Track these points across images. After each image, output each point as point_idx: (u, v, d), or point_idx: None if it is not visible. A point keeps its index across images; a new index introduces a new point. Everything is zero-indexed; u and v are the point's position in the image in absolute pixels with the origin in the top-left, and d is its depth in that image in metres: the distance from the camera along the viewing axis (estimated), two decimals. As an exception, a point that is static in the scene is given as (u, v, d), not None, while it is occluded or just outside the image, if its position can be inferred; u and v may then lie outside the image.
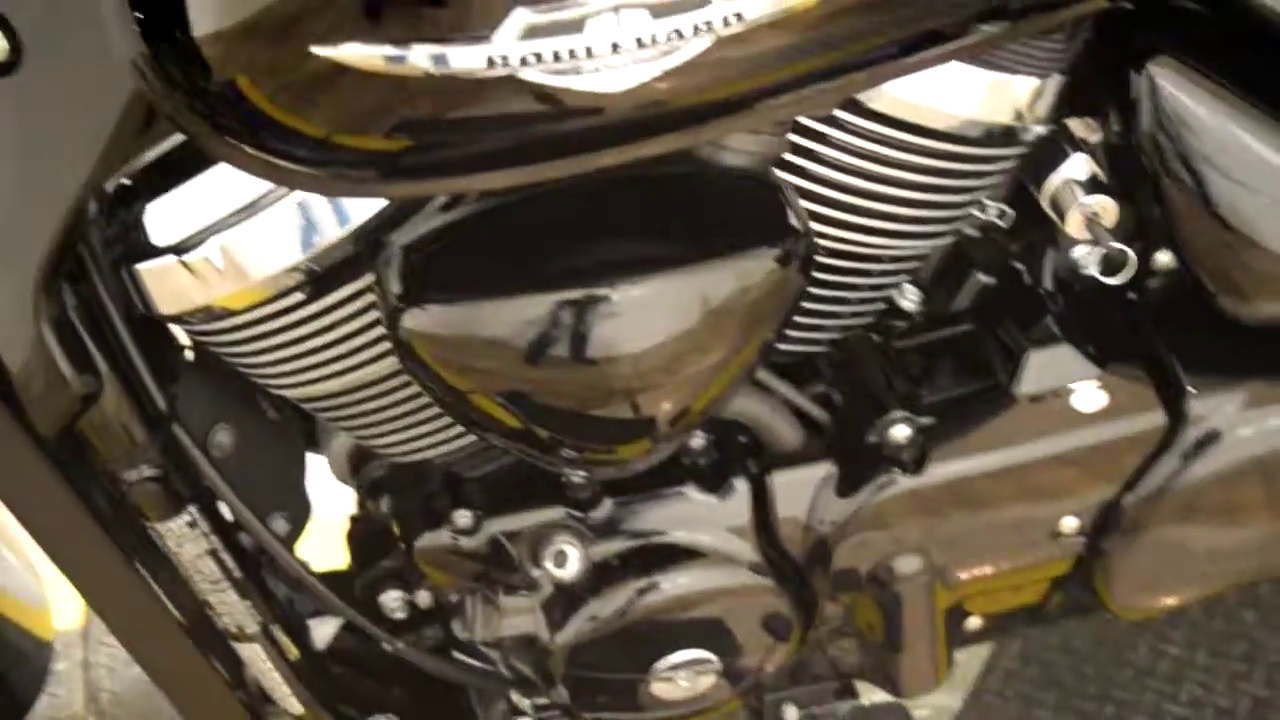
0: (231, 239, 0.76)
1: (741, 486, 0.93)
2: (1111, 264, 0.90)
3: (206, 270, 0.77)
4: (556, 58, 0.59)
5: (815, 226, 0.85)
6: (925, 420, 0.92)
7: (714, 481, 0.93)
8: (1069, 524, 0.98)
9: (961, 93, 0.82)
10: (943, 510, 0.95)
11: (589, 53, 0.59)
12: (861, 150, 0.83)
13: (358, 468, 1.02)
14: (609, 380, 0.77)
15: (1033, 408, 0.94)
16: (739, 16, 0.60)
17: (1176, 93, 0.86)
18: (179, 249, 0.77)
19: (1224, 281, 0.92)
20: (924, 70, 0.74)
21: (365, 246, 0.77)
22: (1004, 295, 0.98)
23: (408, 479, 0.98)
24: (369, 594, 1.02)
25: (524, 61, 0.58)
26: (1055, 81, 0.86)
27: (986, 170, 0.88)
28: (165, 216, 0.77)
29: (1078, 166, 0.89)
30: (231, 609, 0.95)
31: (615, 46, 0.59)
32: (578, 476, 0.92)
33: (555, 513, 0.93)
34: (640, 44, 0.59)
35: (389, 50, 0.58)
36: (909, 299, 0.97)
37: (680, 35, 0.60)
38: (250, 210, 0.76)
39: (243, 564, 0.94)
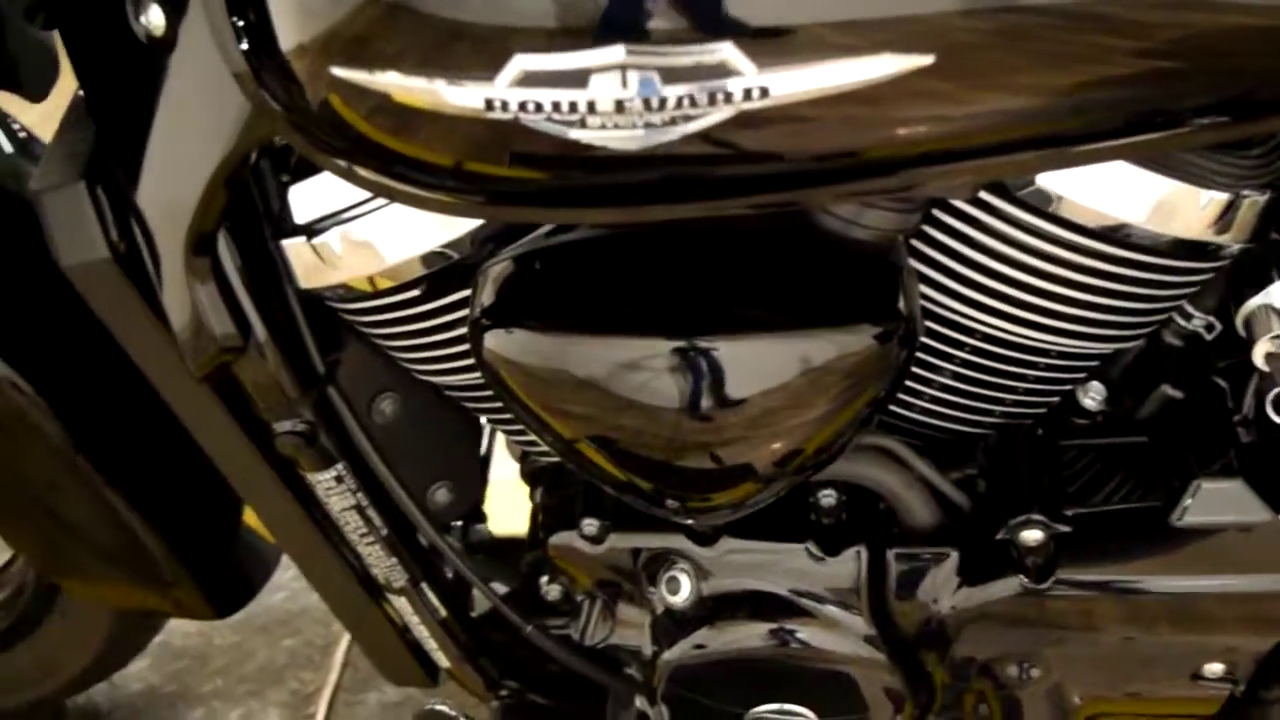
0: (352, 228, 0.79)
1: (859, 554, 0.88)
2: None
3: (329, 254, 0.79)
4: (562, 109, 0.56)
5: (966, 310, 0.79)
6: (1063, 528, 0.84)
7: (833, 544, 0.88)
8: (1213, 669, 0.87)
9: (1122, 196, 0.75)
10: (1065, 625, 0.86)
11: (590, 108, 0.56)
12: (1011, 239, 0.77)
13: (524, 455, 1.03)
14: (685, 432, 0.74)
15: (1187, 541, 0.84)
16: (764, 91, 0.55)
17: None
18: (310, 231, 0.79)
19: None
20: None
21: (477, 254, 0.78)
22: (1191, 414, 0.87)
23: (557, 475, 0.98)
24: (531, 573, 1.03)
25: (523, 108, 0.56)
26: (1254, 199, 0.75)
27: (1165, 280, 0.79)
28: (306, 197, 0.81)
29: (1277, 294, 0.79)
30: (379, 562, 0.99)
31: (620, 106, 0.56)
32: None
33: (676, 540, 0.91)
34: (654, 108, 0.56)
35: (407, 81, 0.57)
36: (1092, 398, 0.90)
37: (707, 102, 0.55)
38: (371, 204, 0.78)
39: (393, 523, 0.96)
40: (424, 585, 1.01)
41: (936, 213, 0.78)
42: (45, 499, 1.08)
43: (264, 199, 0.81)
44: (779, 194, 0.62)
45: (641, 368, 0.72)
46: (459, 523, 1.05)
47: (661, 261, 0.74)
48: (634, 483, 0.79)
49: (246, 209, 0.82)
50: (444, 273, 0.80)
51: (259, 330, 0.85)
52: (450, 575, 1.03)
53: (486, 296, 0.74)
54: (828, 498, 0.89)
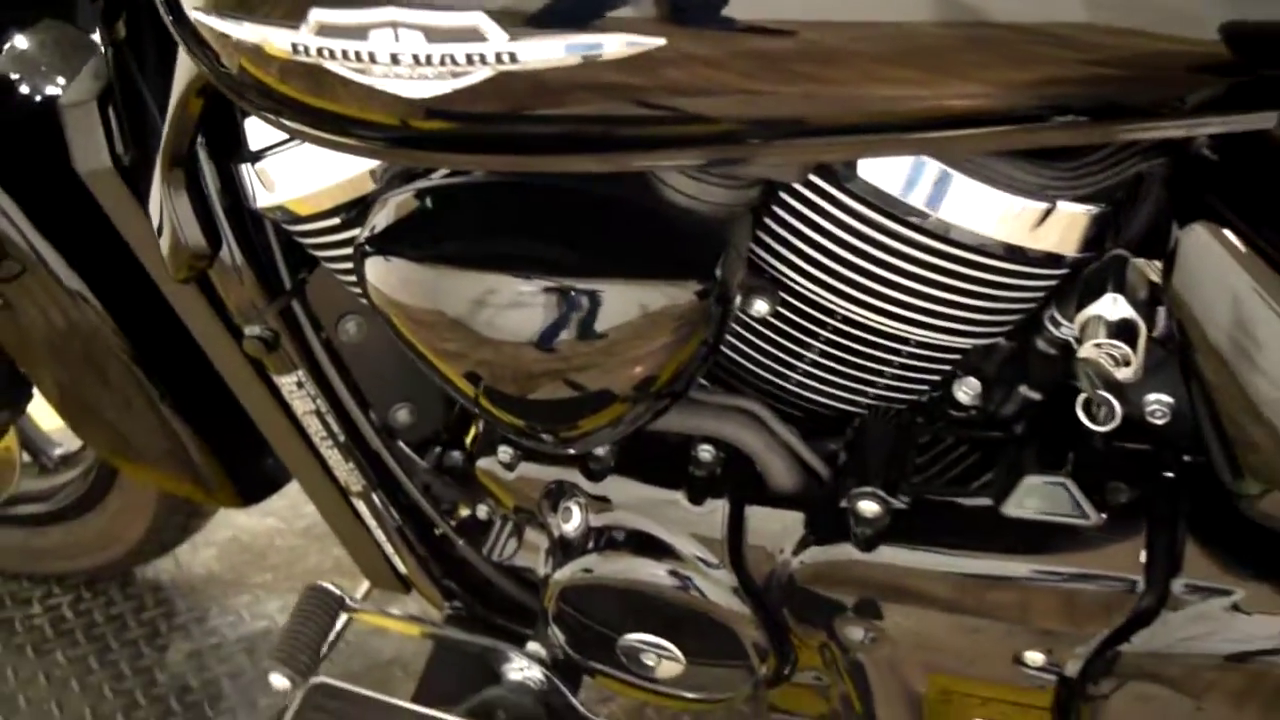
0: (284, 158, 0.89)
1: (721, 507, 0.93)
2: (1093, 411, 0.82)
3: (268, 179, 0.90)
4: (347, 56, 0.64)
5: (824, 293, 0.85)
6: (899, 504, 0.88)
7: (700, 495, 0.94)
8: (1034, 656, 0.90)
9: (943, 196, 0.79)
10: (892, 595, 0.90)
11: (364, 61, 0.64)
12: (852, 228, 0.82)
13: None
14: (535, 366, 0.81)
15: (1012, 531, 0.87)
16: (513, 56, 0.62)
17: (1204, 260, 0.76)
18: (256, 157, 0.89)
19: (1230, 467, 0.80)
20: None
21: (385, 188, 0.86)
22: (1044, 415, 0.90)
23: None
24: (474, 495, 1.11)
25: (321, 53, 0.65)
26: (1073, 210, 0.78)
27: (1004, 283, 0.83)
28: (257, 126, 0.91)
29: (1109, 306, 0.81)
30: (339, 466, 1.09)
31: (397, 59, 0.64)
32: (600, 448, 0.97)
33: (571, 474, 0.98)
34: (421, 63, 0.64)
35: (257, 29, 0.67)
36: (965, 392, 0.93)
37: (464, 62, 0.63)
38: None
39: (349, 430, 1.06)
40: (377, 493, 1.11)
41: (788, 197, 0.83)
42: (106, 396, 1.22)
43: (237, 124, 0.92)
44: (551, 156, 0.70)
45: (495, 304, 0.80)
46: (438, 448, 1.14)
47: (532, 211, 0.82)
48: (494, 412, 0.86)
49: (227, 132, 0.93)
50: (357, 203, 0.89)
51: (230, 242, 0.96)
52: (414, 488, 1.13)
53: (372, 225, 0.82)
54: (706, 453, 0.95)
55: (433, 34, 0.63)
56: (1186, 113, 0.69)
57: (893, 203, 0.79)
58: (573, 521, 0.98)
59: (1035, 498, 0.87)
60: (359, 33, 0.64)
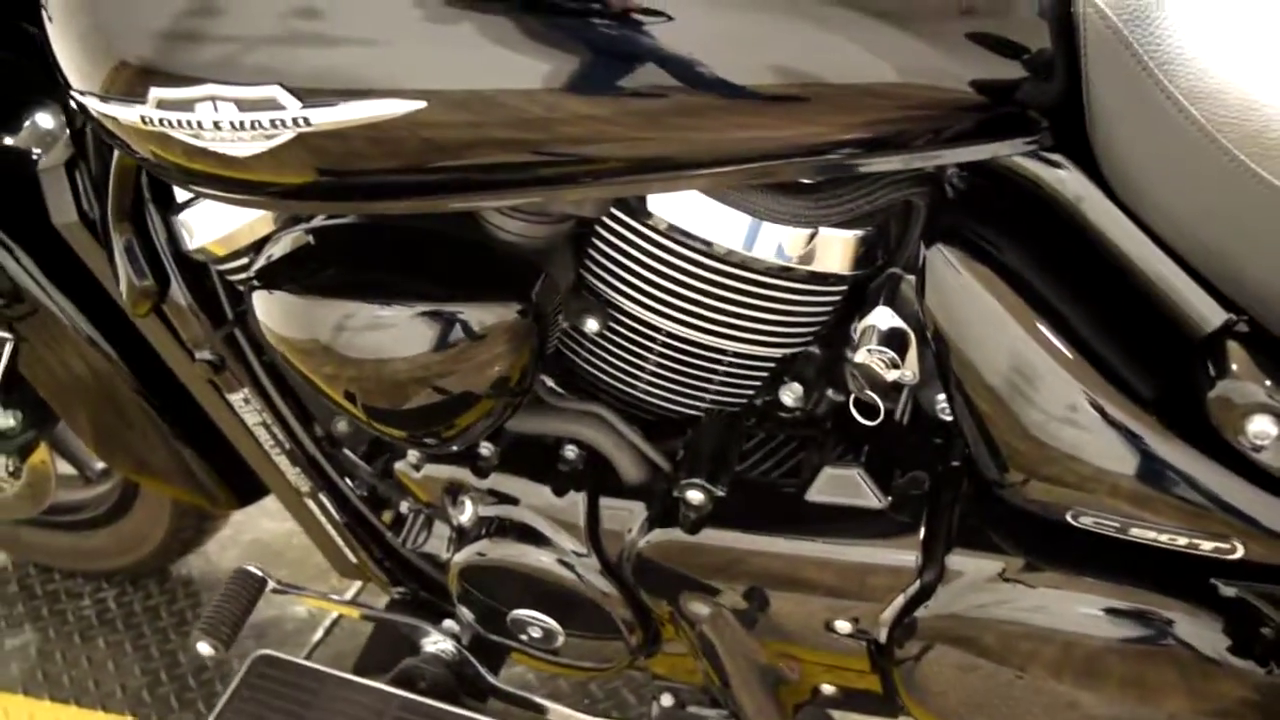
0: (199, 209, 1.01)
1: (579, 499, 1.03)
2: (863, 408, 0.90)
3: (189, 227, 1.02)
4: (186, 125, 0.76)
5: (649, 315, 0.95)
6: (719, 492, 0.96)
7: (563, 489, 1.04)
8: (842, 626, 0.98)
9: (725, 228, 0.88)
10: (717, 573, 0.99)
11: (197, 127, 0.76)
12: (660, 258, 0.92)
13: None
14: (388, 381, 0.92)
15: (813, 516, 0.95)
16: (307, 120, 0.73)
17: (945, 276, 0.84)
18: (180, 208, 1.02)
19: (989, 460, 0.87)
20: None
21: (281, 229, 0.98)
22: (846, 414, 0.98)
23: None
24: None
25: (163, 123, 0.77)
26: (834, 234, 0.87)
27: (793, 299, 0.93)
28: None
29: (881, 316, 0.90)
30: (288, 470, 1.21)
31: (217, 125, 0.75)
32: (486, 449, 1.07)
33: (462, 472, 1.08)
34: (239, 127, 0.75)
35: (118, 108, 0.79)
36: (789, 395, 1.00)
37: (268, 130, 0.75)
38: None
39: (294, 440, 1.18)
40: (323, 494, 1.22)
41: (605, 230, 0.93)
42: (119, 423, 1.36)
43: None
44: (367, 201, 0.81)
45: (355, 328, 0.91)
46: (385, 455, 1.25)
47: (387, 248, 0.93)
48: (374, 425, 0.98)
49: (166, 187, 1.06)
50: (260, 243, 1.00)
51: (177, 281, 1.09)
52: (350, 489, 1.24)
53: (260, 262, 0.94)
54: (570, 452, 1.05)
55: (242, 104, 0.76)
56: (932, 146, 0.79)
57: (683, 235, 0.89)
58: (466, 513, 1.09)
59: (831, 486, 0.95)
60: (187, 105, 0.77)
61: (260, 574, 1.17)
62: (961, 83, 0.76)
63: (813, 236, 0.88)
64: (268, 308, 0.93)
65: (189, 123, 0.77)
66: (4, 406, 1.36)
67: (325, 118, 0.75)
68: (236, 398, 1.16)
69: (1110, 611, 0.89)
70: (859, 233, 0.89)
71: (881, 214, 0.90)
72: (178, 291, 1.10)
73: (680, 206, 0.88)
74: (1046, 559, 0.91)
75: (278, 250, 0.94)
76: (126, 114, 0.80)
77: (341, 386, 0.95)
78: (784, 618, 1.00)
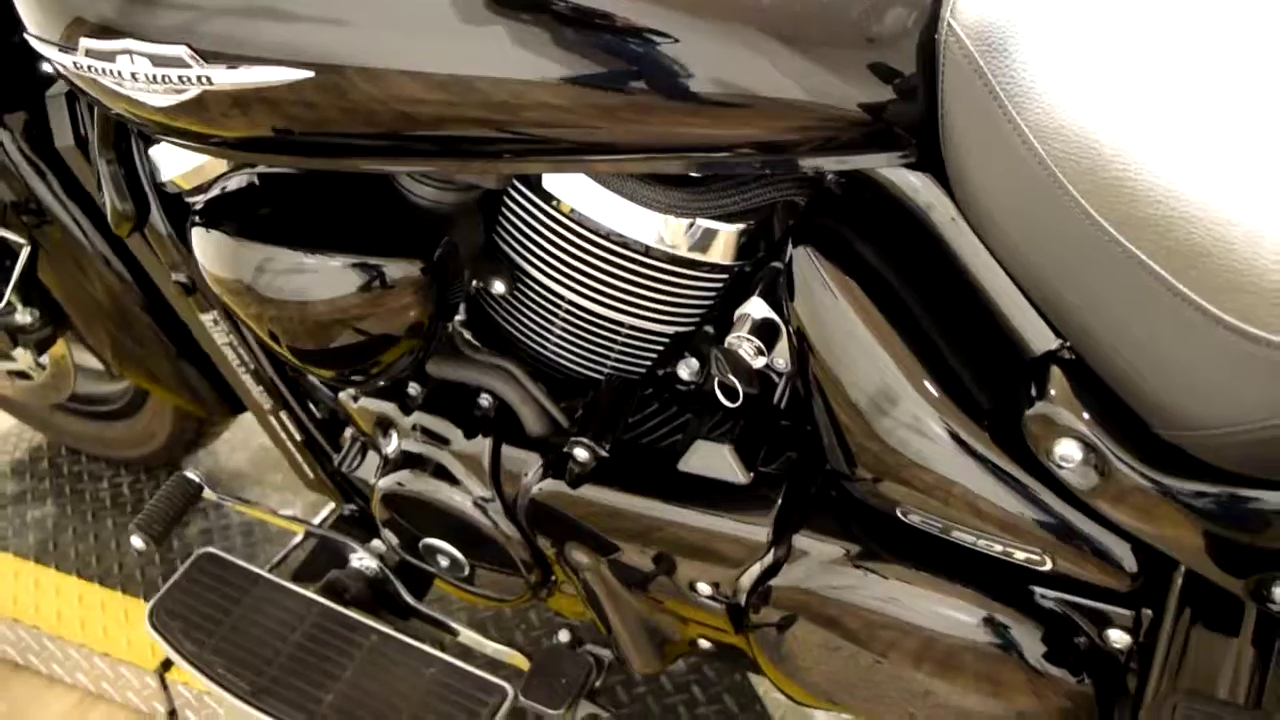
0: (165, 145, 1.06)
1: (486, 444, 1.07)
2: (726, 391, 0.92)
3: (158, 161, 1.08)
4: (107, 73, 0.81)
5: (553, 285, 0.99)
6: (603, 453, 0.99)
7: (472, 433, 1.08)
8: (703, 588, 1.01)
9: (612, 213, 0.91)
10: (592, 527, 1.03)
11: (118, 76, 0.80)
12: (559, 234, 0.96)
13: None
14: (307, 323, 0.98)
15: (681, 484, 0.99)
16: (207, 80, 0.78)
17: (805, 278, 0.86)
18: (150, 143, 1.08)
19: (830, 450, 0.90)
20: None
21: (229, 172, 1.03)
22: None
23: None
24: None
25: (91, 70, 0.81)
26: (710, 225, 0.89)
27: (679, 283, 0.96)
28: None
29: (754, 306, 0.92)
30: (252, 388, 1.27)
31: (134, 76, 0.80)
32: (414, 389, 1.12)
33: (391, 407, 1.14)
34: (152, 80, 0.79)
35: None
36: (685, 369, 1.03)
37: (178, 85, 0.79)
38: None
39: (256, 360, 1.24)
40: (282, 412, 1.29)
41: (513, 202, 0.96)
42: (125, 334, 1.44)
43: None
44: (273, 155, 0.85)
45: (275, 271, 0.97)
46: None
47: (315, 200, 0.98)
48: (300, 365, 1.03)
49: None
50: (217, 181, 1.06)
51: (155, 207, 1.14)
52: (308, 411, 1.30)
53: (199, 201, 0.99)
54: (484, 400, 1.10)
55: (156, 60, 0.80)
56: (811, 154, 0.81)
57: (578, 215, 0.92)
58: (391, 444, 1.14)
59: (702, 458, 0.98)
60: (110, 56, 0.82)
61: (198, 480, 1.24)
62: (850, 102, 0.78)
63: (690, 226, 0.90)
64: (203, 245, 0.99)
65: (111, 71, 0.82)
66: (23, 304, 1.45)
67: (225, 79, 0.79)
68: (207, 318, 1.22)
69: (937, 606, 0.92)
70: (738, 226, 0.91)
71: (764, 210, 0.92)
72: (157, 217, 1.15)
73: (574, 188, 0.92)
74: (886, 550, 0.94)
75: (217, 192, 1.00)
76: (62, 59, 0.85)
77: (265, 326, 1.01)
78: (652, 575, 1.04)
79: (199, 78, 0.80)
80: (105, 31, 0.82)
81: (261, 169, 1.01)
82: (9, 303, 1.41)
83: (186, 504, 1.21)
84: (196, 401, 1.50)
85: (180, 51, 0.80)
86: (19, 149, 1.32)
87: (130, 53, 0.81)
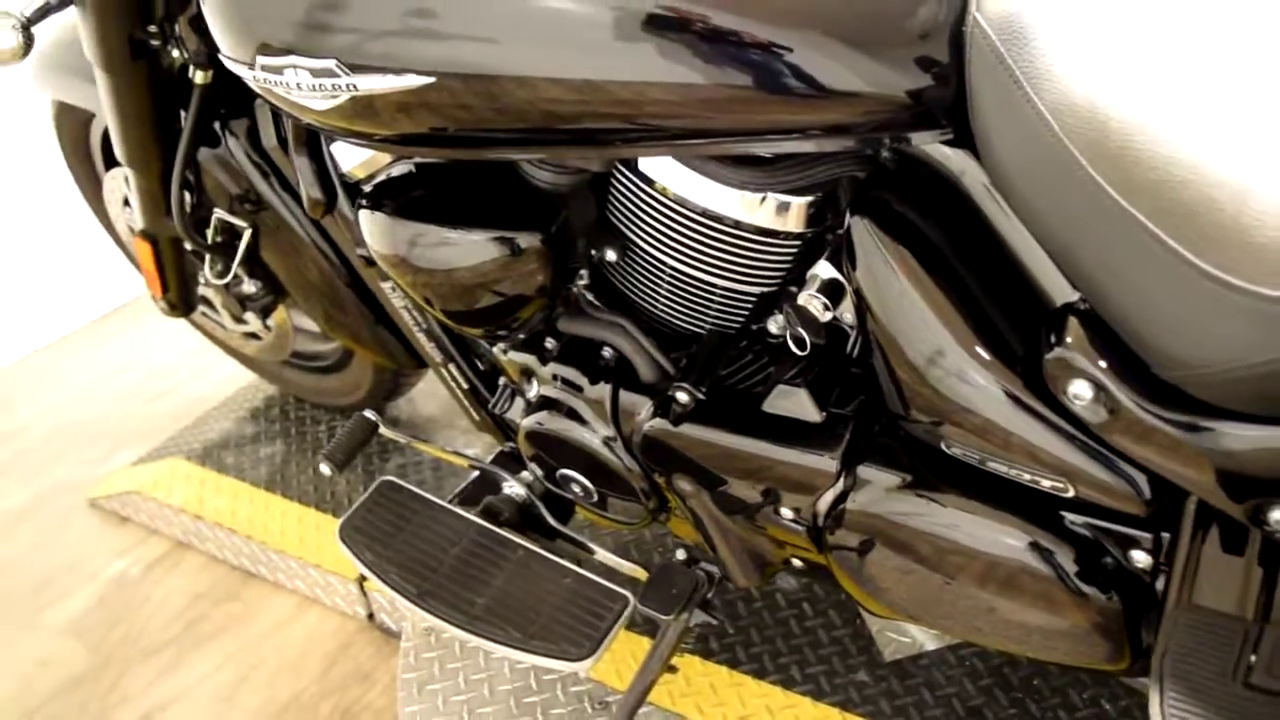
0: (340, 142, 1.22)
1: (606, 390, 1.19)
2: (797, 342, 1.01)
3: (339, 156, 1.23)
4: (280, 85, 0.96)
5: (658, 254, 1.10)
6: (700, 396, 1.11)
7: (595, 379, 1.20)
8: (786, 512, 1.10)
9: (703, 191, 1.01)
10: (693, 459, 1.13)
11: (288, 86, 0.95)
12: (654, 207, 1.08)
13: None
14: (456, 288, 1.11)
15: (765, 421, 1.09)
16: (353, 87, 0.92)
17: (864, 242, 0.95)
18: (331, 140, 1.25)
19: (887, 393, 0.98)
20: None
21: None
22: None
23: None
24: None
25: (264, 83, 0.97)
26: (781, 198, 0.98)
27: (760, 250, 1.06)
28: None
29: (822, 267, 1.01)
30: (424, 345, 1.43)
31: (299, 86, 0.94)
32: (550, 343, 1.24)
33: (532, 359, 1.27)
34: (312, 89, 0.94)
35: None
36: (774, 324, 1.13)
37: (331, 91, 0.93)
38: None
39: (426, 320, 1.40)
40: (450, 365, 1.44)
41: (619, 183, 1.07)
42: (331, 302, 1.63)
43: None
44: (417, 148, 0.98)
45: (427, 245, 1.10)
46: None
47: (461, 185, 1.11)
48: (452, 325, 1.17)
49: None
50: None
51: (341, 196, 1.30)
52: (471, 363, 1.45)
53: (366, 188, 1.14)
54: (606, 352, 1.22)
55: (314, 72, 0.94)
56: (862, 134, 0.90)
57: (670, 193, 1.03)
58: (533, 390, 1.28)
59: (781, 399, 1.08)
60: (279, 70, 0.97)
61: (374, 419, 1.41)
62: (899, 89, 0.86)
63: (763, 200, 0.99)
64: (368, 225, 1.15)
65: (281, 83, 0.98)
66: (249, 276, 1.66)
67: (369, 85, 0.93)
68: (387, 286, 1.38)
69: (981, 529, 0.99)
70: (807, 199, 1.00)
71: (829, 184, 1.00)
72: (343, 202, 1.32)
73: (665, 169, 1.02)
74: (937, 479, 1.01)
75: (380, 180, 1.15)
76: (247, 74, 1.01)
77: (420, 291, 1.15)
78: (743, 501, 1.14)
79: (347, 85, 0.94)
80: (274, 50, 0.97)
81: (415, 160, 1.15)
82: (236, 275, 1.62)
83: (365, 438, 1.39)
84: (390, 357, 1.68)
85: (329, 64, 0.94)
86: (242, 149, 1.52)
87: (295, 67, 0.96)
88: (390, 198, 1.15)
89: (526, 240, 1.09)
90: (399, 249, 1.13)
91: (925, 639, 1.47)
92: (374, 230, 1.15)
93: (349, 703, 1.63)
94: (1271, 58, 0.83)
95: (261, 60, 1.00)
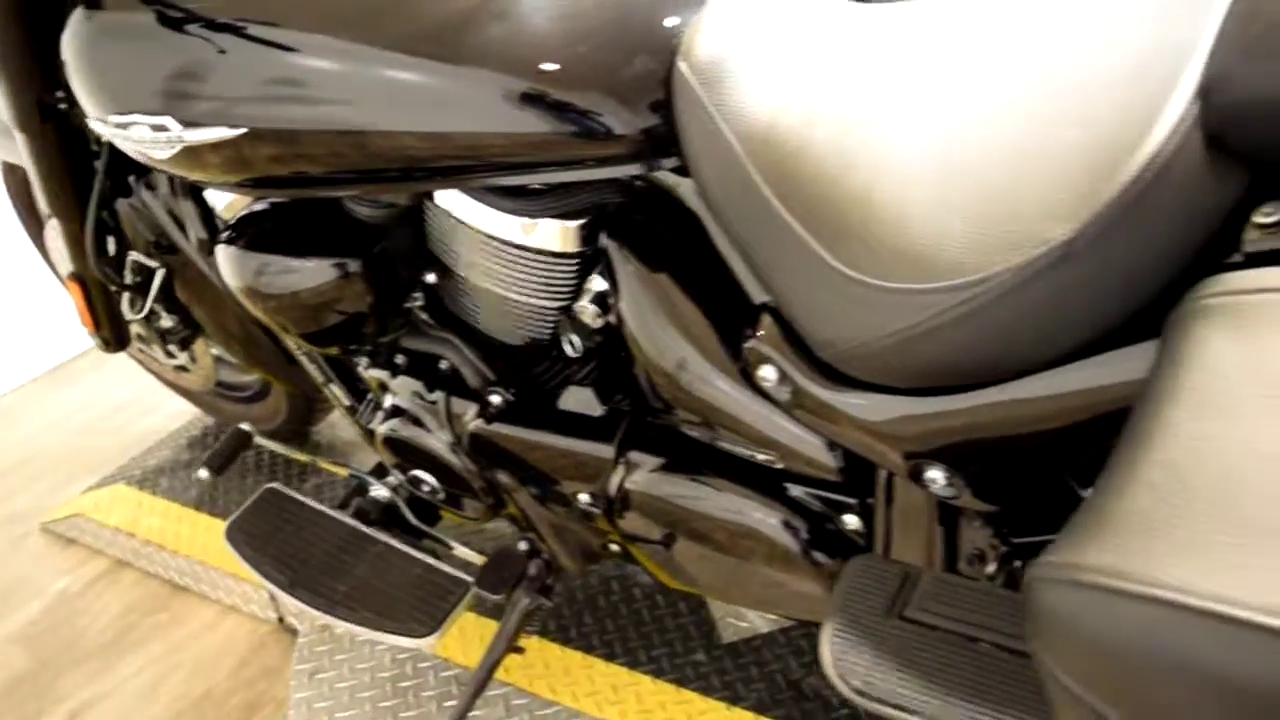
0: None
1: (441, 396, 1.33)
2: (573, 346, 1.15)
3: (212, 200, 1.37)
4: (129, 139, 1.12)
5: (464, 272, 1.22)
6: (509, 398, 1.24)
7: (431, 387, 1.34)
8: (583, 498, 1.23)
9: (479, 215, 1.15)
10: (510, 454, 1.27)
11: (135, 140, 1.10)
12: (454, 237, 1.20)
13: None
14: (294, 309, 1.26)
15: (557, 418, 1.23)
16: (182, 139, 1.07)
17: (613, 261, 1.09)
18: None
19: (641, 385, 1.11)
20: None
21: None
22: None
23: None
24: None
25: (114, 135, 1.12)
26: (554, 223, 1.12)
27: (539, 266, 1.19)
28: None
29: (594, 281, 1.14)
30: (309, 367, 1.57)
31: (143, 139, 1.10)
32: (399, 358, 1.39)
33: (384, 373, 1.42)
34: (154, 141, 1.09)
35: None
36: (570, 343, 1.25)
37: (168, 143, 1.09)
38: None
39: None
40: (332, 385, 1.58)
41: (429, 210, 1.22)
42: (243, 338, 1.77)
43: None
44: (250, 189, 1.14)
45: (270, 274, 1.25)
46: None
47: (296, 221, 1.26)
48: (306, 345, 1.31)
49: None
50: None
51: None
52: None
53: (226, 224, 1.29)
54: (443, 364, 1.35)
55: (153, 127, 1.10)
56: (615, 165, 1.03)
57: (466, 223, 1.17)
58: (387, 400, 1.42)
59: (570, 397, 1.22)
60: (126, 126, 1.12)
61: (249, 430, 1.55)
62: (634, 128, 1.00)
63: (537, 225, 1.14)
64: (223, 260, 1.29)
65: (129, 136, 1.13)
66: (167, 312, 1.81)
67: (192, 137, 1.09)
68: None
69: (726, 502, 1.13)
70: (577, 222, 1.14)
71: (597, 208, 1.14)
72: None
73: (455, 200, 1.17)
74: (691, 461, 1.14)
75: (236, 218, 1.30)
76: (102, 129, 1.17)
77: (273, 318, 1.30)
78: (553, 491, 1.27)
79: (179, 137, 1.10)
80: (120, 110, 1.13)
81: (263, 203, 1.30)
82: (154, 311, 1.77)
83: (239, 447, 1.53)
84: (293, 384, 1.83)
85: (165, 120, 1.10)
86: (152, 197, 1.68)
87: (138, 123, 1.12)
88: (241, 234, 1.29)
89: (353, 265, 1.23)
90: (248, 279, 1.28)
91: (761, 623, 1.59)
92: (227, 264, 1.29)
93: (255, 695, 1.76)
94: (909, 87, 0.97)
95: (114, 119, 1.16)
